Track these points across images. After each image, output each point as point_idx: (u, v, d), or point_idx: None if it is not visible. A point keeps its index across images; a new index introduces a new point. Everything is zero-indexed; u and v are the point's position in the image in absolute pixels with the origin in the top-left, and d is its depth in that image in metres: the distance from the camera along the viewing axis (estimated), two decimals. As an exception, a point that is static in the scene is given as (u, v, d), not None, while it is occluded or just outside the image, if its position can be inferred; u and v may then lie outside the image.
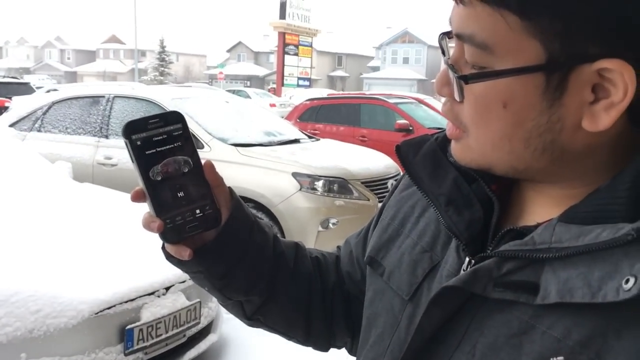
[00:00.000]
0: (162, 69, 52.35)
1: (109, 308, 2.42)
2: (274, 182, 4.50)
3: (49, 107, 5.75)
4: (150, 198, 0.66)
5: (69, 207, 3.27)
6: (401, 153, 0.70)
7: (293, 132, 5.93)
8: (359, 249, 0.84)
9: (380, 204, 0.80)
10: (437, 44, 0.61)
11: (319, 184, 4.52)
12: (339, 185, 4.60)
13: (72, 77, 63.42)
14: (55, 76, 58.79)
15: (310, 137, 5.95)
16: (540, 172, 0.56)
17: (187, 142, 0.68)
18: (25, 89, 15.50)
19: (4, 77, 18.53)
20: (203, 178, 0.69)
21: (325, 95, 12.04)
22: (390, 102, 9.33)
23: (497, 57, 0.52)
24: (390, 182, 4.96)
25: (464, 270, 0.60)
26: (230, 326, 3.41)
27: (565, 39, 0.49)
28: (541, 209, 0.58)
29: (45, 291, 2.31)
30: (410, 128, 8.62)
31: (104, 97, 5.55)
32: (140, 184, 0.67)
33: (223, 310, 3.23)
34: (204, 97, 5.95)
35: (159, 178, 0.66)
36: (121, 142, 4.06)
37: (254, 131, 5.41)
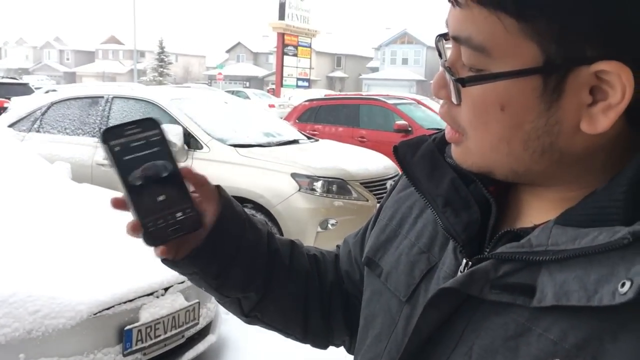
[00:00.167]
0: (161, 69, 52.35)
1: (107, 309, 2.41)
2: (272, 182, 4.50)
3: (48, 108, 5.75)
4: (131, 202, 0.68)
5: (68, 207, 3.27)
6: (399, 154, 0.70)
7: (292, 132, 5.93)
8: (357, 249, 0.84)
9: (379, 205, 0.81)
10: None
11: (318, 185, 4.52)
12: (337, 186, 4.60)
13: (71, 77, 63.38)
14: (54, 77, 58.79)
15: (309, 138, 5.96)
16: (539, 174, 0.56)
17: (165, 147, 0.70)
18: (24, 89, 15.50)
19: (3, 77, 18.53)
20: (182, 181, 0.71)
21: (322, 96, 12.04)
22: (389, 103, 9.34)
23: (494, 60, 0.52)
24: (389, 183, 4.96)
25: (461, 272, 0.60)
26: (229, 327, 3.41)
27: (563, 41, 0.49)
28: (538, 211, 0.58)
29: (43, 292, 2.31)
30: (409, 129, 8.63)
31: (102, 97, 5.55)
32: (120, 190, 0.69)
33: (222, 311, 3.23)
34: (203, 97, 5.95)
35: (139, 183, 0.68)
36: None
37: (252, 132, 5.40)
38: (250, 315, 0.83)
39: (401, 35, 53.03)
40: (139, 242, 0.70)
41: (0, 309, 2.19)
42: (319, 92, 21.73)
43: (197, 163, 4.58)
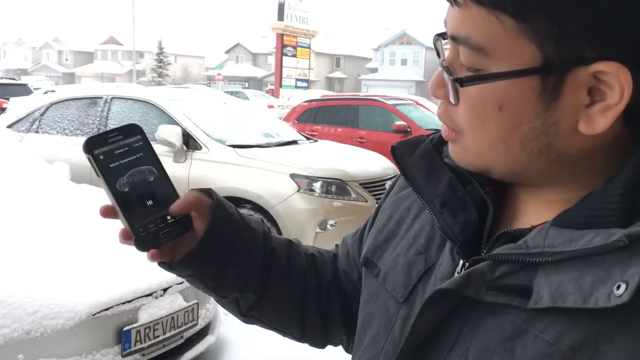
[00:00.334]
0: (160, 70, 52.28)
1: (106, 309, 2.41)
2: (271, 183, 4.50)
3: (47, 108, 5.75)
4: (120, 209, 0.68)
5: (67, 208, 3.27)
6: (396, 154, 0.70)
7: (291, 133, 5.93)
8: (355, 249, 0.84)
9: (378, 205, 0.81)
10: (434, 46, 0.61)
11: (317, 185, 4.53)
12: (336, 186, 4.60)
13: (70, 78, 63.34)
14: (53, 77, 58.83)
15: (308, 139, 5.96)
16: (537, 175, 0.56)
17: (150, 152, 0.71)
18: (23, 90, 15.52)
19: (2, 78, 18.53)
20: (169, 185, 0.71)
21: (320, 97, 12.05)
22: (388, 104, 9.35)
23: (493, 60, 0.51)
24: (388, 184, 4.96)
25: (458, 272, 0.60)
26: (228, 327, 3.40)
27: (561, 41, 0.48)
28: (535, 212, 0.58)
29: (42, 292, 2.31)
30: (409, 129, 8.64)
31: (101, 98, 5.54)
32: (108, 198, 0.69)
33: (221, 312, 3.23)
34: (201, 98, 5.95)
35: (126, 189, 0.68)
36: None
37: (251, 132, 5.41)
38: (247, 315, 0.83)
39: (400, 36, 53.04)
40: None
41: (-2, 309, 2.19)
42: (318, 93, 21.74)
43: (196, 163, 4.60)
